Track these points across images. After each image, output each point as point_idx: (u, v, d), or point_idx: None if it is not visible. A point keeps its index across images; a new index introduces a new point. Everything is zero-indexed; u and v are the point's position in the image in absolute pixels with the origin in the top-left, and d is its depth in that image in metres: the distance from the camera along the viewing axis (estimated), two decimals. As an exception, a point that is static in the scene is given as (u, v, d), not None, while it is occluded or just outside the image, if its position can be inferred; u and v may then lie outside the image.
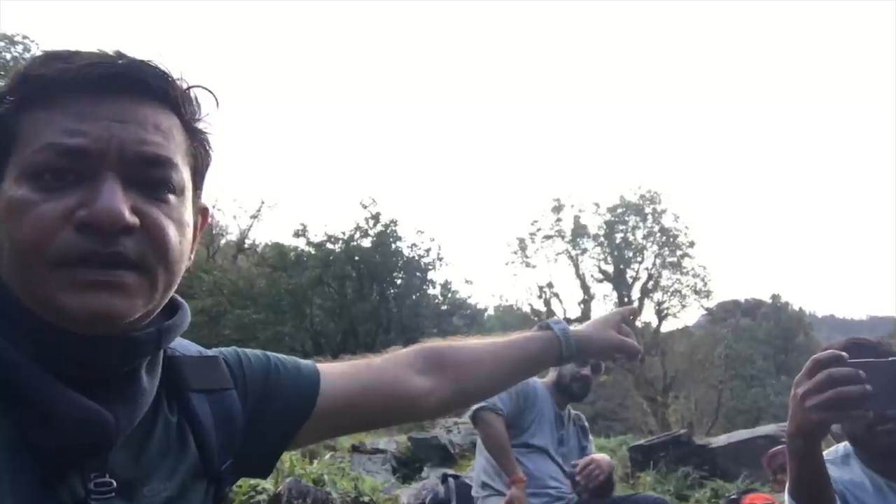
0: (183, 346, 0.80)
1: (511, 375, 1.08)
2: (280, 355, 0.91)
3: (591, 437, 3.28)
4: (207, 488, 0.76)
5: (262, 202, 22.09)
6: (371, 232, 19.05)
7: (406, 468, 7.56)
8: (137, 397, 0.67)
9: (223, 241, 22.62)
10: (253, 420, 0.82)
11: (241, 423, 0.81)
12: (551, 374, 3.06)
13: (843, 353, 1.07)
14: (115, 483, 0.64)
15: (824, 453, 1.42)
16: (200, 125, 0.73)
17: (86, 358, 0.64)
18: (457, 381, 1.01)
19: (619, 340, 1.15)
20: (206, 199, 0.78)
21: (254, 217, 21.95)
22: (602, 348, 1.14)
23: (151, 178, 0.66)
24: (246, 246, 22.28)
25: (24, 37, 16.44)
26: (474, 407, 2.83)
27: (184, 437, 0.75)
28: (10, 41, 16.13)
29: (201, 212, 0.77)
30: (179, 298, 0.75)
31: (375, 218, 19.13)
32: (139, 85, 0.66)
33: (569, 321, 1.16)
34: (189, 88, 0.71)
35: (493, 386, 1.08)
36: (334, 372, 0.92)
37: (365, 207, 19.18)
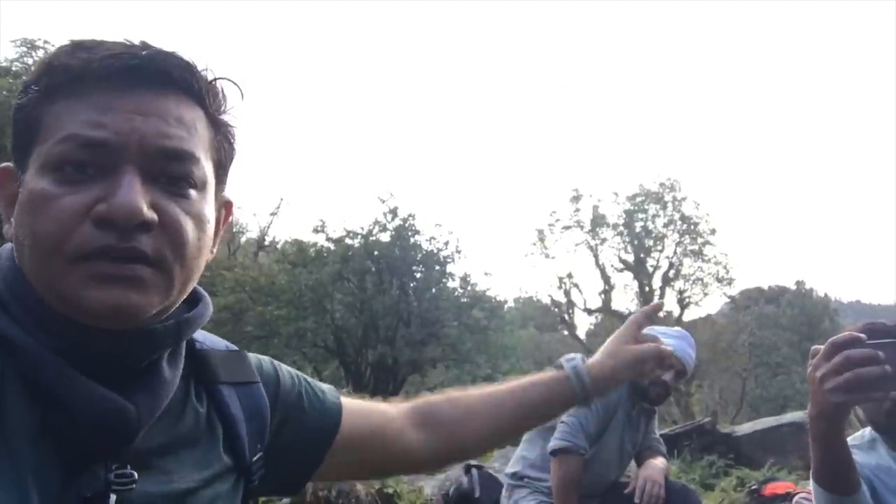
0: (210, 340, 0.81)
1: (514, 427, 1.05)
2: (308, 378, 0.92)
3: (656, 417, 2.94)
4: (237, 479, 0.77)
5: (281, 199, 22.32)
6: (389, 226, 19.06)
7: (429, 460, 7.57)
8: (158, 389, 0.67)
9: (244, 239, 22.81)
10: (280, 434, 0.83)
11: (268, 416, 0.81)
12: None
13: (861, 335, 1.05)
14: (136, 475, 0.64)
15: (849, 438, 1.41)
16: (225, 118, 0.71)
17: (105, 351, 0.64)
18: (452, 436, 0.99)
19: (639, 354, 1.06)
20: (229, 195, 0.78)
21: (273, 214, 22.11)
22: (623, 372, 1.06)
23: (172, 173, 0.65)
24: (266, 243, 22.43)
25: (45, 41, 16.61)
26: (557, 442, 2.54)
27: (213, 427, 0.75)
28: (32, 46, 16.30)
29: (224, 205, 0.76)
30: (201, 290, 0.75)
31: (393, 212, 19.13)
32: (163, 77, 0.65)
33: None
34: (214, 80, 0.69)
35: (494, 439, 1.03)
36: (352, 407, 0.93)
37: (383, 202, 19.21)
